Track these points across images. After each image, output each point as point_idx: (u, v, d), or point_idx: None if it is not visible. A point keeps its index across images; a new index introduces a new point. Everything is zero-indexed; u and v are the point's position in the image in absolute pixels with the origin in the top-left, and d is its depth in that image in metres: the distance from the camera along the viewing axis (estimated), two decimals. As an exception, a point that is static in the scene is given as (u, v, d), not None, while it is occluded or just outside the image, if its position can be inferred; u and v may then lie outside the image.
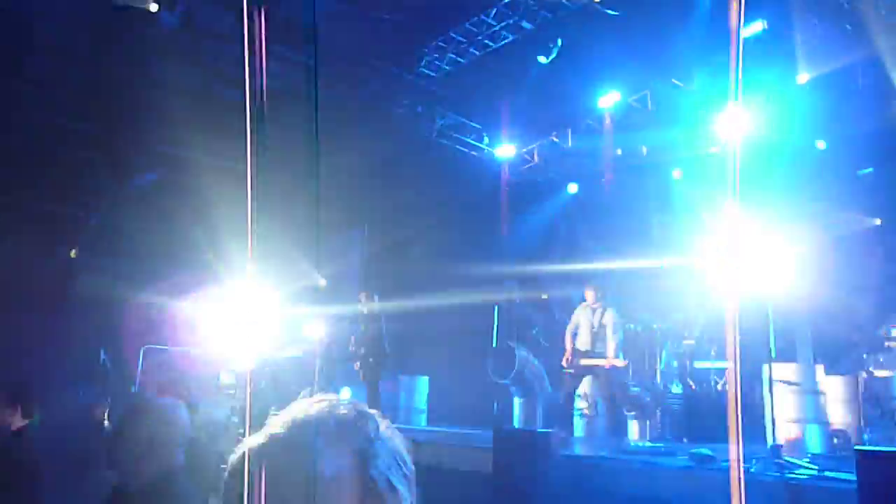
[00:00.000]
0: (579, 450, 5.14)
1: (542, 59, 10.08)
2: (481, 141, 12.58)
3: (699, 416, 8.29)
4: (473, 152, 12.61)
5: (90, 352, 11.32)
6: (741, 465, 3.48)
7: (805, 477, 3.23)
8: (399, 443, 1.02)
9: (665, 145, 11.50)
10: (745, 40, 9.17)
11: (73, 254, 13.74)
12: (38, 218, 12.15)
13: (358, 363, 8.89)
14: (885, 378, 7.04)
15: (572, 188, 13.24)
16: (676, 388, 9.45)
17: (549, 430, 4.69)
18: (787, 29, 9.16)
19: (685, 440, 7.89)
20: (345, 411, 0.99)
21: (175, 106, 11.45)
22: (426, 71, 10.88)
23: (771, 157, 9.65)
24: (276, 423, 0.98)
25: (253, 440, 0.96)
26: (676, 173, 12.34)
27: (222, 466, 1.01)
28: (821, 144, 10.82)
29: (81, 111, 11.10)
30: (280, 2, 8.82)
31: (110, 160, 11.29)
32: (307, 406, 1.00)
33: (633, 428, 8.31)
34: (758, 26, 9.17)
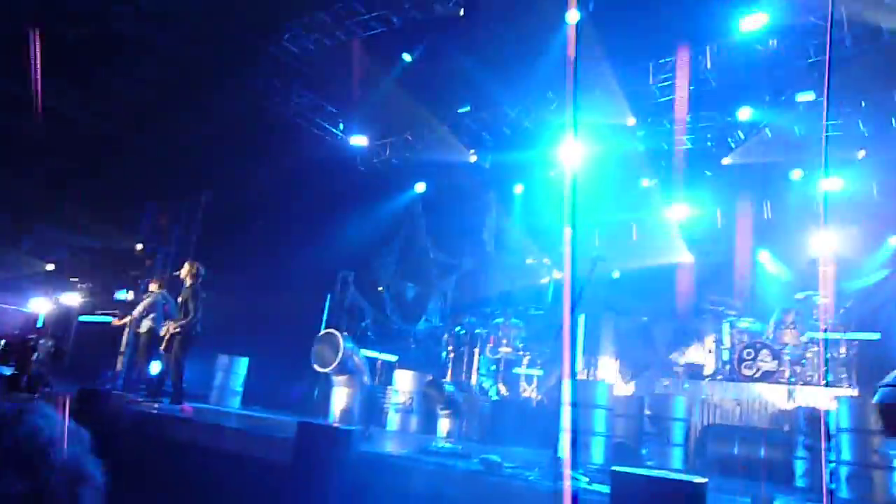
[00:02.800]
0: (379, 448, 5.28)
1: (406, 57, 10.21)
2: (337, 126, 12.46)
3: (504, 420, 8.75)
4: (327, 136, 12.47)
5: None
6: (568, 478, 3.80)
7: (573, 488, 3.60)
8: None
9: (511, 161, 12.05)
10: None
11: None
12: None
13: (165, 335, 7.98)
14: (665, 398, 7.89)
15: (419, 188, 13.48)
16: (493, 392, 9.96)
17: (352, 427, 4.78)
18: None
19: (487, 443, 8.27)
20: None
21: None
22: (289, 46, 10.58)
23: (599, 188, 10.43)
24: None
25: None
26: (518, 188, 13.01)
27: None
28: (645, 182, 11.89)
29: None
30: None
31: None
32: None
33: (444, 426, 8.61)
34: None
